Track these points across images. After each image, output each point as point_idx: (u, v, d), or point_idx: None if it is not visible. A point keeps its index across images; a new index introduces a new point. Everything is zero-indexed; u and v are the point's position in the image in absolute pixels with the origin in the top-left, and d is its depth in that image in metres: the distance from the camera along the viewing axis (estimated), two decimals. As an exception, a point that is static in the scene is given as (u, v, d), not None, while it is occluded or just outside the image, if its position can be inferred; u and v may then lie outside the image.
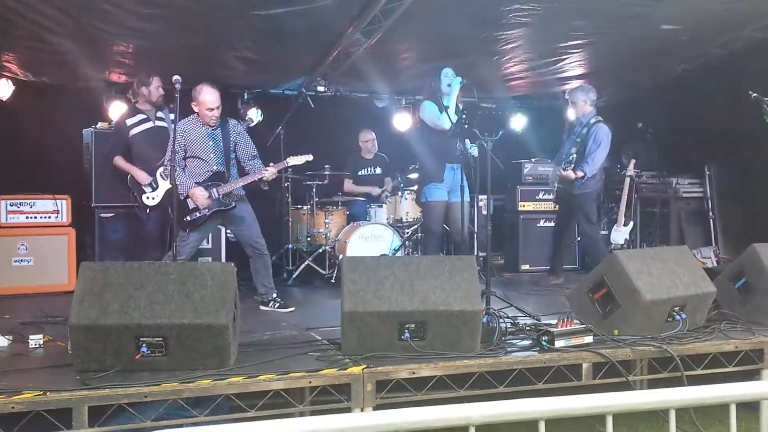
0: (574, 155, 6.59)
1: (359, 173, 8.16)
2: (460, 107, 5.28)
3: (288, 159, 5.72)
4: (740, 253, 4.92)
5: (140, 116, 6.11)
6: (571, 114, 6.88)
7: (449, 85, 5.89)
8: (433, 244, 6.31)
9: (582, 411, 1.86)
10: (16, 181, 6.82)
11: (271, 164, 5.56)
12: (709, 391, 1.97)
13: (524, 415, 1.82)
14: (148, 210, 5.91)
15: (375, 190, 7.99)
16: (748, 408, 4.07)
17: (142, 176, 5.89)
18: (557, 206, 7.12)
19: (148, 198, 5.89)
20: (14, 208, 6.53)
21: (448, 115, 5.58)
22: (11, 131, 7.28)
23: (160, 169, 5.89)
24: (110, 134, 6.61)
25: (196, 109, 5.42)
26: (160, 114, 6.15)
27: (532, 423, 1.94)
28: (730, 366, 4.09)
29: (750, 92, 5.59)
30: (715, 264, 7.50)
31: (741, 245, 5.33)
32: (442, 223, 6.23)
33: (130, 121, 6.09)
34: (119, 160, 6.03)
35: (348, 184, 8.10)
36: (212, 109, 5.38)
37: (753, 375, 4.22)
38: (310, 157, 5.79)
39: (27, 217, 6.57)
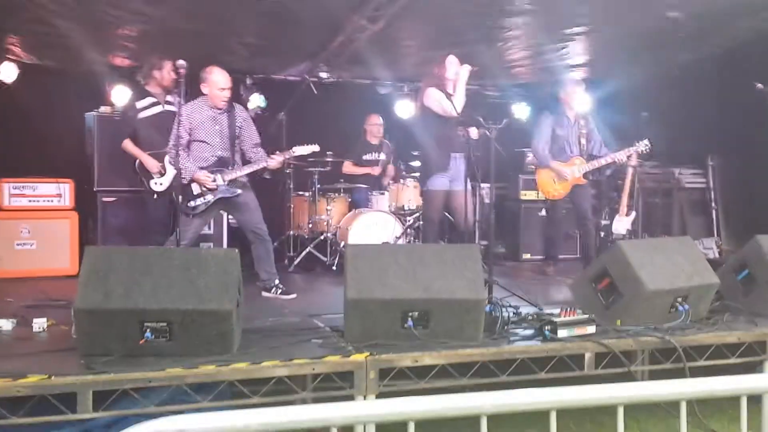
0: (585, 145, 6.78)
1: (363, 157, 8.15)
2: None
3: (294, 149, 5.70)
4: (742, 244, 4.92)
5: (150, 99, 6.04)
6: (580, 106, 6.89)
7: (456, 73, 5.83)
8: (432, 232, 6.27)
9: (594, 402, 1.86)
10: (19, 164, 6.81)
11: (277, 152, 5.56)
12: (721, 383, 1.97)
13: (536, 405, 1.82)
14: (155, 195, 5.87)
15: (375, 170, 7.99)
16: (749, 400, 4.07)
17: (151, 163, 5.84)
18: (571, 197, 6.84)
19: (156, 183, 5.85)
20: (17, 191, 6.52)
21: (453, 102, 5.55)
22: (15, 114, 7.26)
23: (170, 154, 5.85)
24: (116, 117, 6.56)
25: (205, 90, 5.40)
26: (169, 98, 6.08)
27: (539, 412, 1.94)
28: (732, 357, 4.11)
29: (755, 83, 5.58)
30: (717, 255, 7.50)
31: (743, 236, 5.34)
32: (442, 211, 6.22)
33: (139, 104, 6.03)
34: (128, 144, 5.97)
35: (348, 166, 8.08)
36: (223, 89, 5.37)
37: (755, 366, 4.23)
38: (316, 148, 5.78)
39: (30, 201, 6.57)
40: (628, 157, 6.77)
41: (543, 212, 8.37)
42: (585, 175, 6.75)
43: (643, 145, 6.63)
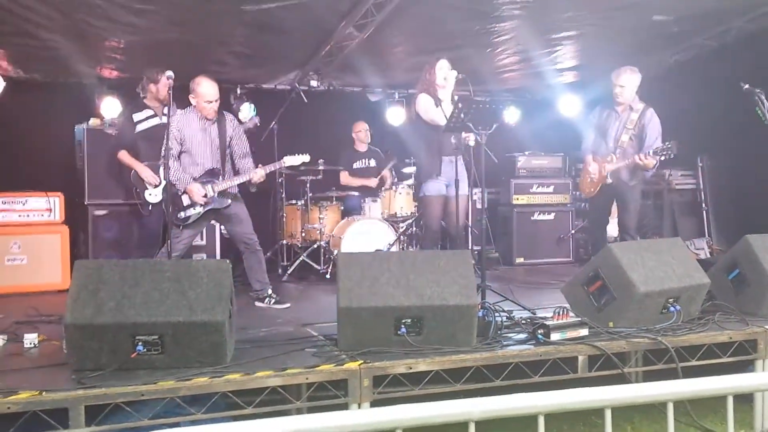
0: (626, 142, 6.21)
1: (354, 166, 8.17)
2: (455, 98, 5.20)
3: (285, 159, 5.70)
4: (732, 244, 4.94)
5: (147, 112, 6.02)
6: (624, 98, 6.21)
7: (445, 79, 5.78)
8: (430, 239, 6.20)
9: (581, 405, 1.87)
10: (8, 179, 6.78)
11: (260, 165, 5.55)
12: (707, 383, 1.98)
13: (524, 410, 1.82)
14: (150, 207, 5.85)
15: (372, 182, 8.01)
16: (741, 399, 4.09)
17: (147, 173, 5.80)
18: (596, 199, 6.48)
19: (150, 195, 5.81)
20: (6, 206, 6.48)
21: (443, 109, 5.54)
22: (3, 129, 7.22)
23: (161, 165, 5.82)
24: (108, 129, 6.53)
25: (194, 102, 5.39)
26: (166, 111, 6.05)
27: (529, 417, 1.94)
28: (724, 357, 4.12)
29: (742, 83, 5.59)
30: (708, 255, 7.52)
31: (733, 236, 5.35)
32: (441, 218, 6.05)
33: (137, 116, 6.00)
34: (124, 155, 5.94)
35: (345, 177, 8.10)
36: (211, 102, 5.36)
37: (746, 365, 4.24)
38: (306, 158, 5.77)
39: (19, 216, 6.52)
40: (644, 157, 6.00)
41: (536, 216, 8.42)
42: (614, 175, 6.22)
43: (664, 149, 5.96)
